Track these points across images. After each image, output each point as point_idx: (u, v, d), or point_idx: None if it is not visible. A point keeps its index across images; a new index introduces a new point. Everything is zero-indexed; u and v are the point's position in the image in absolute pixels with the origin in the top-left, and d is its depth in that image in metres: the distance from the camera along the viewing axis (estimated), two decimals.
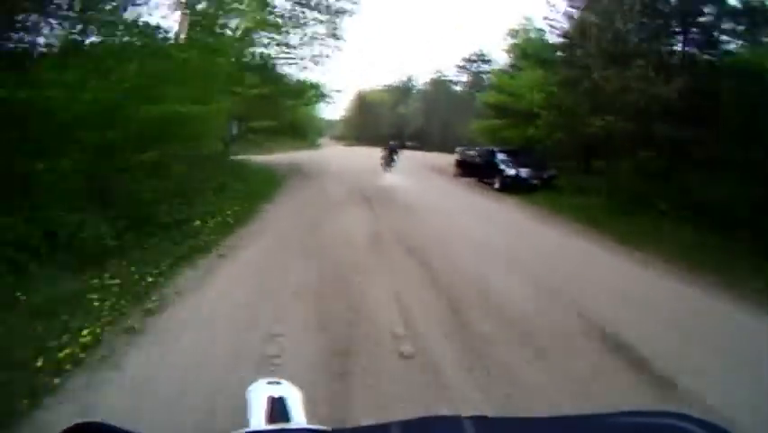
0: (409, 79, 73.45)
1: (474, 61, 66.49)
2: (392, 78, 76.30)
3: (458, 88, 68.37)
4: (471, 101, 64.92)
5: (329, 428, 1.04)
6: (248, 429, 1.23)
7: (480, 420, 0.93)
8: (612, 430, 0.91)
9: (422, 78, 73.77)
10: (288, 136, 40.73)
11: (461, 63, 66.61)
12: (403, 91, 72.68)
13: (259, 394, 1.47)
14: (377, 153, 27.53)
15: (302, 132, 47.64)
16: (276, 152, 33.20)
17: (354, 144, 63.39)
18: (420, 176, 24.93)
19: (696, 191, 12.41)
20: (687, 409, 1.10)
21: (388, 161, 25.63)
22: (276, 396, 1.43)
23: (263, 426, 1.34)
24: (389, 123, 66.89)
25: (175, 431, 3.69)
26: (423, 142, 63.55)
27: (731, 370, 5.02)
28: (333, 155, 39.53)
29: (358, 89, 72.62)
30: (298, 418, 1.40)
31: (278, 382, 1.57)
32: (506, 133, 26.81)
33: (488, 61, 65.18)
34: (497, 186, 20.45)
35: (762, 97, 11.93)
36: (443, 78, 68.36)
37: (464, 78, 67.54)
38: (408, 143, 62.98)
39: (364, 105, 70.15)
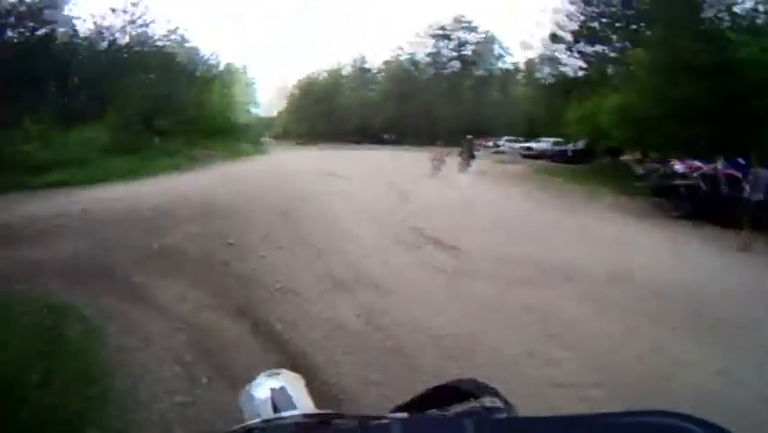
0: (362, 60, 60.88)
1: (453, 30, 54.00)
2: (339, 59, 62.73)
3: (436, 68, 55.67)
4: (461, 80, 53.40)
5: (331, 411, 1.07)
6: (253, 421, 1.08)
7: (480, 420, 0.93)
8: (612, 430, 0.87)
9: (378, 57, 60.28)
10: (218, 138, 31.37)
11: (436, 32, 53.87)
12: (357, 75, 60.49)
13: (260, 388, 1.32)
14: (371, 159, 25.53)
15: (235, 132, 36.40)
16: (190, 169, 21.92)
17: (307, 144, 49.61)
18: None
19: None
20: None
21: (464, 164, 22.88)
22: (277, 387, 1.29)
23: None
24: (350, 114, 54.93)
25: None
26: (400, 135, 51.57)
27: None
28: (315, 177, 23.81)
29: (302, 76, 60.65)
30: (303, 404, 1.27)
31: (277, 373, 1.37)
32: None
33: (473, 29, 52.81)
34: None
35: None
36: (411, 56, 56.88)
37: (443, 51, 54.90)
38: (386, 137, 50.43)
39: (312, 94, 57.02)
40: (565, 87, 30.89)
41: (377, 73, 60.93)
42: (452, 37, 54.12)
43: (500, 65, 54.45)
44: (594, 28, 28.14)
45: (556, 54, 33.30)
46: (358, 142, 49.48)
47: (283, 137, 57.16)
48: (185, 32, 33.57)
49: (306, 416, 1.05)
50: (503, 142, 40.93)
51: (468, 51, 54.29)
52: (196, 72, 33.20)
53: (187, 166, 21.62)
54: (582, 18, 28.54)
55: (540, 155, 31.83)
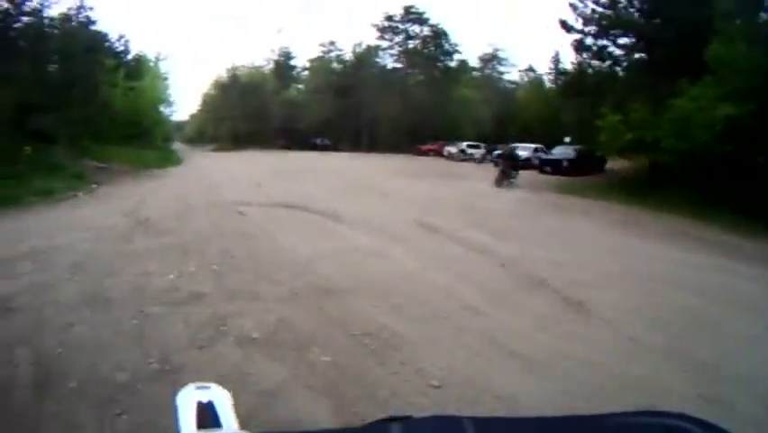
0: (287, 55, 55.36)
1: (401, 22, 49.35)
2: (262, 54, 56.42)
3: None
4: (406, 78, 48.86)
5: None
6: None
7: (479, 420, 0.95)
8: (612, 430, 0.93)
9: (305, 53, 54.67)
10: (120, 145, 25.32)
11: (383, 23, 48.96)
12: (281, 71, 54.71)
13: (187, 400, 1.35)
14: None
15: (141, 137, 30.32)
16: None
17: (225, 150, 43.53)
18: None
19: None
20: None
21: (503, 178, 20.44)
22: (204, 401, 1.32)
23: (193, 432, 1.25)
24: (275, 115, 48.39)
25: None
26: (337, 139, 46.66)
27: None
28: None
29: (221, 71, 54.39)
30: (228, 422, 1.28)
31: (206, 387, 1.40)
32: None
33: (424, 21, 48.22)
34: None
35: None
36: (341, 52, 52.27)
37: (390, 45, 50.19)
38: (319, 142, 44.70)
39: (232, 92, 49.60)
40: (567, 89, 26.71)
41: (303, 70, 55.50)
42: (398, 30, 49.24)
43: (449, 62, 50.18)
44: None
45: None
46: (287, 148, 43.64)
47: (197, 141, 50.61)
48: (91, 12, 26.29)
49: None
50: (460, 149, 36.03)
51: (416, 45, 49.62)
52: (97, 59, 25.64)
53: (67, 191, 14.85)
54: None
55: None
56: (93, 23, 26.61)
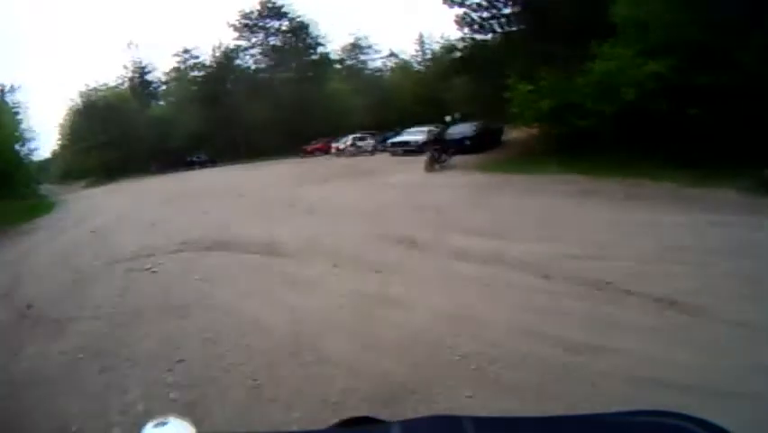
0: (142, 71, 50.61)
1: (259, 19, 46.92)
2: (115, 72, 51.05)
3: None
4: (273, 77, 46.42)
5: None
6: None
7: (479, 420, 0.97)
8: (612, 430, 0.92)
9: (160, 65, 50.69)
10: None
11: (242, 22, 46.30)
12: (139, 88, 49.87)
13: None
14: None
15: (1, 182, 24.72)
16: None
17: (99, 184, 38.92)
18: None
19: None
20: None
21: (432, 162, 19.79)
22: None
23: None
24: (144, 137, 43.86)
25: None
26: (214, 153, 43.53)
27: None
28: None
29: (77, 93, 47.42)
30: None
31: (164, 423, 1.20)
32: None
33: (283, 15, 46.07)
34: None
35: None
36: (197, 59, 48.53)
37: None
38: (196, 159, 41.48)
39: (94, 118, 43.63)
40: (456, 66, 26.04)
41: (163, 84, 51.04)
42: (257, 27, 46.53)
43: (313, 56, 48.01)
44: None
45: None
46: (161, 172, 39.72)
47: (66, 179, 44.94)
48: None
49: None
50: (351, 143, 33.91)
51: (276, 42, 47.13)
52: None
53: None
54: None
55: (420, 149, 25.79)
56: None
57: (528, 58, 19.49)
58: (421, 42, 48.19)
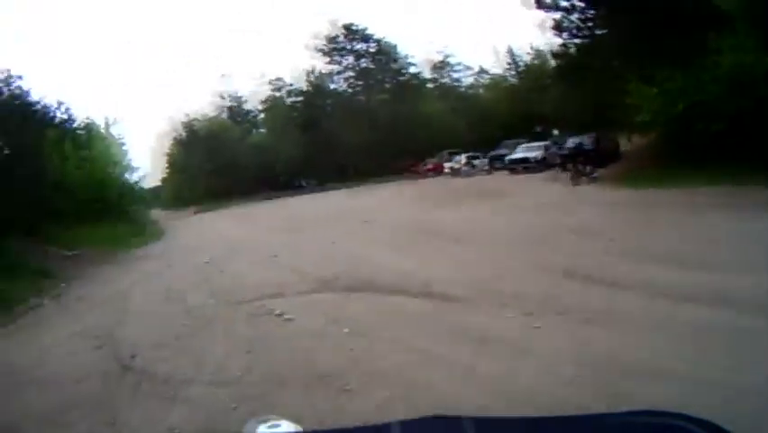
0: (238, 99, 51.05)
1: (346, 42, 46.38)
2: (212, 102, 51.96)
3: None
4: (368, 99, 45.71)
5: None
6: None
7: (479, 420, 0.96)
8: (612, 430, 0.90)
9: (253, 94, 50.42)
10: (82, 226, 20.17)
11: (329, 47, 45.81)
12: (237, 116, 50.67)
13: None
14: None
15: (107, 212, 24.49)
16: None
17: (209, 209, 38.49)
18: None
19: None
20: None
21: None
22: None
23: None
24: (248, 163, 43.84)
25: None
26: (319, 177, 42.69)
27: None
28: None
29: (176, 128, 48.17)
30: None
31: (277, 425, 1.30)
32: None
33: (368, 38, 45.43)
34: None
35: None
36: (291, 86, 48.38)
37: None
38: (304, 183, 41.18)
39: (197, 147, 44.80)
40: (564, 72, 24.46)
41: (260, 112, 51.10)
42: (346, 50, 45.96)
43: (405, 76, 47.09)
44: None
45: None
46: (269, 198, 38.86)
47: (175, 204, 45.49)
48: (21, 81, 21.75)
49: None
50: (465, 162, 32.13)
51: (368, 64, 46.37)
52: (38, 131, 21.22)
53: (29, 296, 10.61)
54: None
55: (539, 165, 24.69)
56: (26, 93, 22.17)
57: (640, 58, 17.76)
58: (512, 55, 45.96)
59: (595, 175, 18.44)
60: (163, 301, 8.84)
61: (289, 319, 6.62)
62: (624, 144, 21.88)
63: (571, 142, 22.74)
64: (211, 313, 7.48)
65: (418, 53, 66.03)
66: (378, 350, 5.24)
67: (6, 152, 18.29)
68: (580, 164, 18.90)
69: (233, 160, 42.80)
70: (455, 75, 49.65)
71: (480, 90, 48.93)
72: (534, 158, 25.40)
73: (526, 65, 44.46)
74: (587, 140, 22.03)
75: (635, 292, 5.89)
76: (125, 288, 10.62)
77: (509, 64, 46.44)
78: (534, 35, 48.58)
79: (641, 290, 5.89)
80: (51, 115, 25.02)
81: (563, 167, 22.01)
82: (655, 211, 11.40)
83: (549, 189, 17.90)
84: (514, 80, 45.54)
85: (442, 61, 48.70)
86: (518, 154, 26.95)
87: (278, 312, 6.89)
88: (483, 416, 1.10)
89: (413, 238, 11.78)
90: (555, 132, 28.36)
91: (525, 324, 5.35)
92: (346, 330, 5.86)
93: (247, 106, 51.28)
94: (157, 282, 10.90)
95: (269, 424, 1.26)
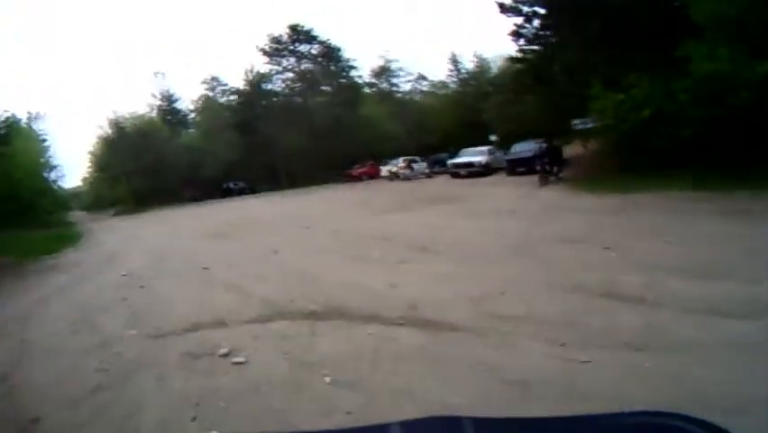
0: (170, 99, 48.58)
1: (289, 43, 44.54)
2: (142, 101, 48.55)
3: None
4: (307, 101, 43.95)
5: None
6: None
7: (479, 420, 0.93)
8: (612, 430, 0.88)
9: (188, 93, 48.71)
10: None
11: (272, 47, 43.98)
12: (168, 116, 47.90)
13: None
14: None
15: (25, 210, 24.03)
16: None
17: (130, 212, 36.04)
18: None
19: None
20: None
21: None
22: None
23: None
24: (175, 164, 41.29)
25: None
26: (251, 181, 40.92)
27: None
28: None
29: (106, 122, 44.36)
30: None
31: None
32: None
33: (313, 39, 43.83)
34: None
35: None
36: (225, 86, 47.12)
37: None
38: (232, 185, 39.44)
39: (123, 145, 41.27)
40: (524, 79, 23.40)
41: (192, 111, 48.85)
42: (288, 50, 44.11)
43: (346, 80, 45.75)
44: None
45: None
46: (196, 199, 37.17)
47: (96, 207, 42.73)
48: None
49: None
50: (405, 165, 31.56)
51: (309, 65, 44.73)
52: None
53: None
54: None
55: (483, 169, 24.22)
56: None
57: (606, 64, 17.41)
58: (455, 62, 45.54)
59: (560, 176, 18.52)
60: (72, 332, 6.75)
61: (240, 363, 4.86)
62: (575, 150, 21.23)
63: (519, 148, 23.10)
64: (134, 352, 5.57)
65: (362, 57, 65.19)
66: (386, 411, 3.53)
67: None
68: (547, 165, 18.78)
69: (160, 160, 40.32)
70: (395, 80, 48.94)
71: (419, 96, 48.60)
72: (479, 162, 24.88)
73: (468, 72, 44.65)
74: (535, 146, 21.73)
75: (670, 310, 4.94)
76: (24, 311, 8.34)
77: (451, 71, 46.29)
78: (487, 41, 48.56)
79: (674, 306, 4.99)
80: None
81: (511, 171, 22.45)
82: (634, 216, 10.61)
83: (505, 193, 17.11)
84: (456, 87, 45.38)
85: (383, 66, 48.04)
86: (462, 158, 26.30)
87: (223, 351, 5.12)
88: (483, 416, 0.87)
89: (369, 246, 10.19)
90: (493, 137, 28.51)
91: (565, 358, 4.07)
92: (327, 379, 4.16)
93: (179, 105, 49.02)
94: (66, 302, 8.65)
95: None
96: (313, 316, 6.00)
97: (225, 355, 5.06)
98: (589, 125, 19.06)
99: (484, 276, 7.03)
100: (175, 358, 5.21)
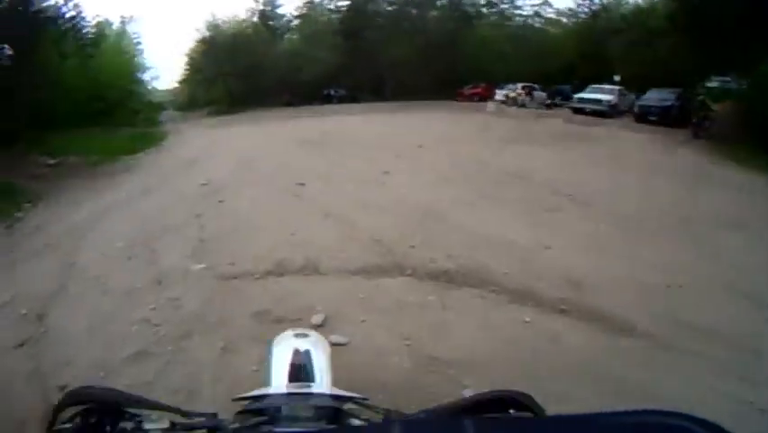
0: (272, 3, 45.47)
1: None
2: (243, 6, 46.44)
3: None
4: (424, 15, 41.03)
5: (350, 394, 1.06)
6: (266, 392, 1.13)
7: (480, 420, 0.90)
8: (612, 430, 0.85)
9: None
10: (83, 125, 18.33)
11: None
12: (269, 20, 45.17)
13: (283, 346, 1.34)
14: None
15: (112, 110, 23.12)
16: None
17: (224, 113, 34.92)
18: None
19: None
20: None
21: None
22: (302, 349, 1.28)
23: (284, 384, 1.21)
24: (274, 68, 39.20)
25: None
26: (353, 89, 38.20)
27: None
28: None
29: (202, 25, 43.06)
30: (322, 377, 1.26)
31: (305, 335, 1.39)
32: None
33: None
34: None
35: None
36: None
37: None
38: (335, 93, 37.68)
39: (219, 49, 39.78)
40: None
41: (296, 18, 45.66)
42: None
43: None
44: None
45: None
46: (292, 104, 35.40)
47: (191, 107, 41.81)
48: None
49: (333, 398, 1.03)
50: (519, 89, 29.05)
51: None
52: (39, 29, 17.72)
53: None
54: None
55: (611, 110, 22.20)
56: None
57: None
58: None
59: (710, 129, 16.52)
60: (128, 258, 5.42)
61: (341, 345, 3.31)
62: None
63: (651, 95, 20.93)
64: (196, 301, 4.16)
65: None
66: None
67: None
68: (703, 120, 16.73)
69: (257, 65, 38.59)
70: (518, 1, 44.15)
71: (541, 23, 43.94)
72: (608, 101, 22.40)
73: (601, 2, 39.72)
74: (672, 96, 19.79)
75: None
76: (89, 219, 7.25)
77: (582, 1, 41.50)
78: None
79: None
80: (56, 11, 21.16)
81: (639, 118, 20.15)
82: None
83: (641, 142, 14.86)
84: (585, 17, 40.86)
85: None
86: (590, 94, 23.80)
87: (317, 319, 3.61)
88: (483, 416, 0.82)
89: (503, 184, 8.64)
90: (617, 77, 25.78)
91: None
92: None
93: (282, 11, 46.20)
94: (131, 216, 7.39)
95: (295, 332, 1.28)
96: (443, 276, 4.26)
97: (319, 327, 3.47)
98: (730, 85, 17.07)
99: (653, 254, 5.38)
100: (249, 319, 3.64)
